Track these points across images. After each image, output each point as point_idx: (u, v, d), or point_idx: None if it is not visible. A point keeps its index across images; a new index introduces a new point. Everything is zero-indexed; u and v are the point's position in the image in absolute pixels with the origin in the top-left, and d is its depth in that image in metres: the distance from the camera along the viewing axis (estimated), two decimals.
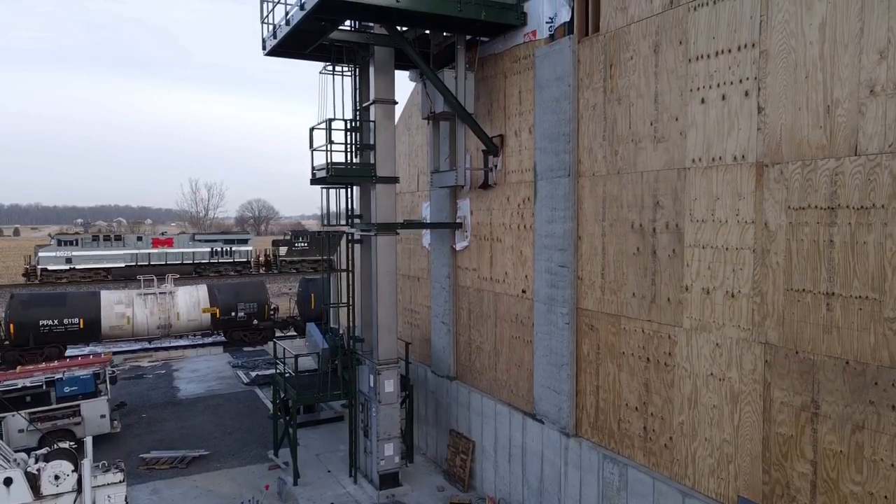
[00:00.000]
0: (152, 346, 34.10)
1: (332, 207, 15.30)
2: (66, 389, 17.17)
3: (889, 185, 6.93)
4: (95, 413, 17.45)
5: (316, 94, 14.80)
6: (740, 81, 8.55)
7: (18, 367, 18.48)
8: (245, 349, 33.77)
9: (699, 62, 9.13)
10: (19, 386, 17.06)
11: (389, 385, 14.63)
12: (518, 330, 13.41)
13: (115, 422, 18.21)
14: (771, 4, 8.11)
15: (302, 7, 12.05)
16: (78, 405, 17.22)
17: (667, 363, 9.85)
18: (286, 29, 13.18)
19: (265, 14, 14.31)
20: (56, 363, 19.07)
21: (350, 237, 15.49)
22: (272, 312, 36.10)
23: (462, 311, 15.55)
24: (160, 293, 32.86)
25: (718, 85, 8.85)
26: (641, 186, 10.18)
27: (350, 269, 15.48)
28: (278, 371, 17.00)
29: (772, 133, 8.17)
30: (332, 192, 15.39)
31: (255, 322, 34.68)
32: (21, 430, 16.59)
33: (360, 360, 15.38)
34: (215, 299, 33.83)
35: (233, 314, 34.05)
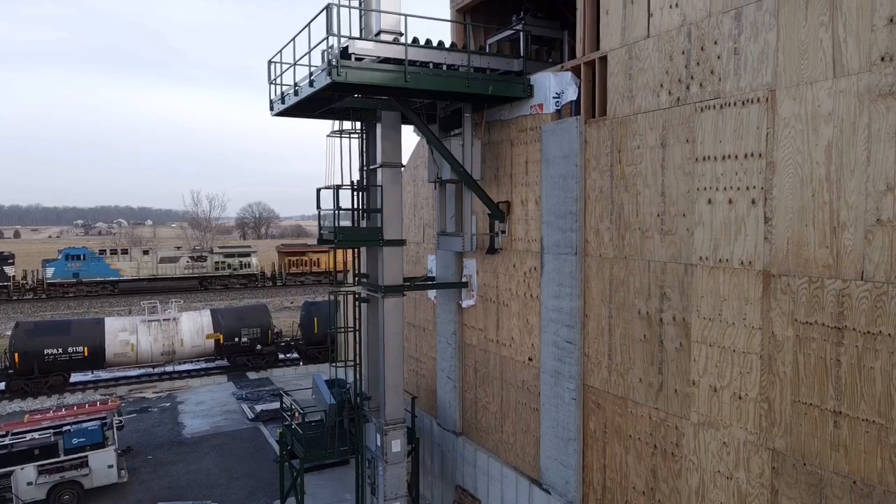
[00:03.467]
0: (156, 371, 34.20)
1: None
2: (74, 441, 17.29)
3: None
4: (103, 464, 17.57)
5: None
6: (747, 189, 8.66)
7: (26, 417, 18.62)
8: (249, 374, 33.90)
9: (706, 163, 9.24)
10: (28, 439, 17.17)
11: (396, 445, 14.73)
12: (524, 396, 13.53)
13: (123, 471, 18.32)
14: (777, 119, 8.22)
15: (311, 84, 12.15)
16: (86, 456, 17.34)
17: (674, 453, 9.96)
18: (294, 98, 13.28)
19: (273, 77, 14.43)
20: (63, 411, 19.20)
21: (357, 296, 15.59)
22: (275, 337, 36.26)
23: (468, 368, 15.66)
24: (164, 320, 33.01)
25: (725, 188, 8.97)
26: (648, 275, 10.29)
27: (357, 327, 15.59)
28: (286, 424, 17.12)
29: (779, 244, 8.28)
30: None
31: (259, 347, 34.83)
32: (30, 483, 16.73)
33: (367, 417, 15.50)
34: (219, 325, 33.96)
35: (236, 339, 34.20)
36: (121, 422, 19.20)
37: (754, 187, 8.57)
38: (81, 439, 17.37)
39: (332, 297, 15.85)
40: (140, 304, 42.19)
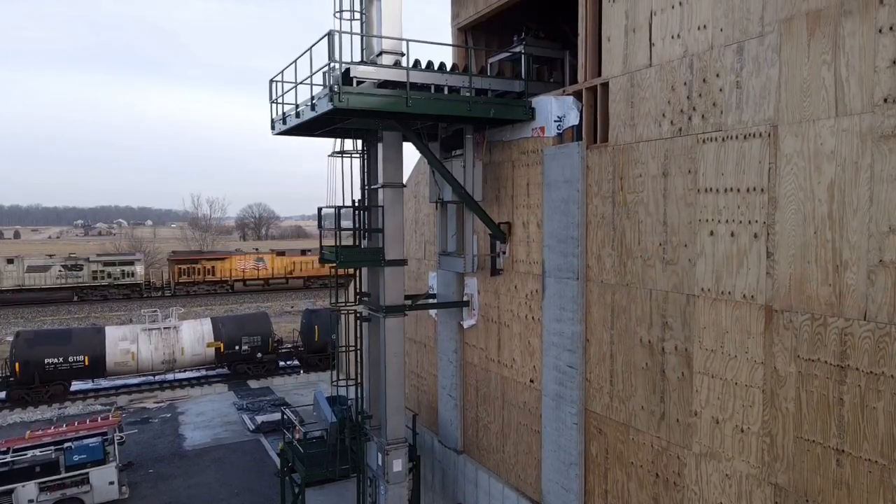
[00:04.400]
0: (157, 379, 34.19)
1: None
2: (76, 458, 17.30)
3: None
4: (104, 480, 17.58)
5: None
6: (749, 223, 8.66)
7: (28, 433, 18.63)
8: (249, 382, 33.91)
9: (708, 194, 9.24)
10: (29, 455, 17.18)
11: (398, 465, 14.73)
12: (526, 417, 13.53)
13: (124, 487, 18.33)
14: (779, 155, 8.22)
15: (313, 108, 12.14)
16: (87, 473, 17.35)
17: (676, 482, 9.97)
18: (296, 120, 13.28)
19: (275, 97, 14.43)
20: (65, 427, 19.21)
21: (358, 315, 15.60)
22: (276, 344, 36.28)
23: (469, 387, 15.67)
24: (164, 328, 33.02)
25: (727, 221, 8.96)
26: (650, 303, 10.29)
27: (358, 346, 15.59)
28: (287, 441, 17.14)
29: (781, 280, 8.28)
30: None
31: (260, 355, 34.85)
32: (31, 501, 16.72)
33: (369, 436, 15.50)
34: (219, 333, 34.00)
35: (237, 348, 34.24)
36: (122, 438, 19.21)
37: (756, 221, 8.56)
38: (82, 456, 17.37)
39: (333, 315, 15.84)
40: (140, 312, 42.15)
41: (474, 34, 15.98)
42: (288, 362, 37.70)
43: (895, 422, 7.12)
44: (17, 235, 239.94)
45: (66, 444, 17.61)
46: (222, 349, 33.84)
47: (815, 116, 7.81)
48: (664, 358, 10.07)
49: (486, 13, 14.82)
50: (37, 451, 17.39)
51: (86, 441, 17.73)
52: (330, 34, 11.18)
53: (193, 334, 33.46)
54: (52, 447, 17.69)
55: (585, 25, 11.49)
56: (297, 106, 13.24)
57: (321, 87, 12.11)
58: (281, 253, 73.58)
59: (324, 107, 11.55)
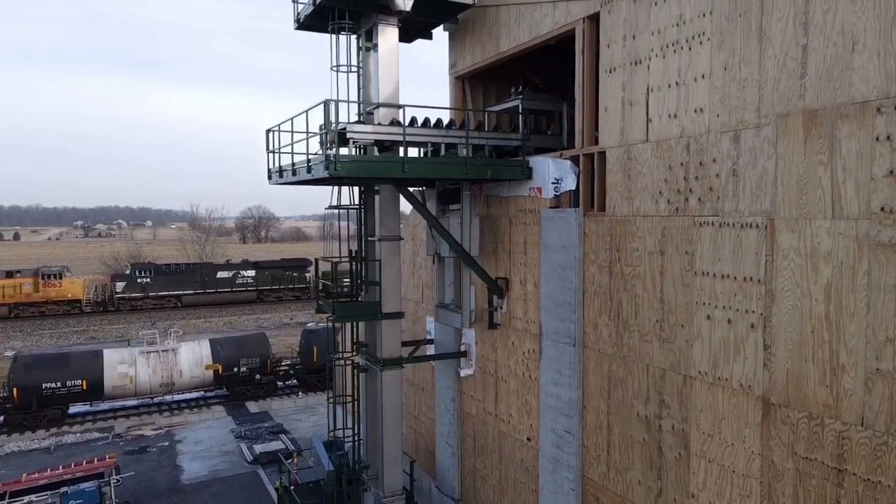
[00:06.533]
0: (155, 402, 34.10)
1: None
2: (72, 503, 17.24)
3: None
4: None
5: None
6: (746, 312, 8.61)
7: (24, 476, 18.58)
8: (248, 405, 33.85)
9: (705, 277, 9.19)
10: (25, 501, 17.14)
11: None
12: (523, 475, 13.48)
13: None
14: (776, 248, 8.17)
15: (308, 171, 12.10)
16: None
17: None
18: (293, 178, 13.24)
19: (272, 147, 14.36)
20: (61, 469, 19.15)
21: (356, 365, 15.55)
22: (274, 365, 36.23)
23: (467, 437, 15.62)
24: (163, 351, 32.95)
25: (724, 307, 8.91)
26: (647, 379, 10.24)
27: (355, 396, 15.54)
28: (284, 486, 17.10)
29: (778, 374, 8.23)
30: None
31: (258, 377, 34.81)
32: None
33: (366, 486, 15.46)
34: (218, 355, 33.92)
35: (235, 369, 34.17)
36: (118, 480, 19.15)
37: (753, 312, 8.51)
38: (79, 501, 17.31)
39: (330, 366, 15.81)
40: (139, 333, 42.07)
41: (472, 83, 15.93)
42: (287, 382, 37.64)
43: None
44: (16, 237, 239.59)
45: (62, 490, 17.56)
46: (221, 371, 33.77)
47: (811, 215, 7.76)
48: (661, 435, 10.02)
49: (482, 65, 14.77)
50: (33, 497, 17.34)
51: (82, 485, 17.68)
52: (326, 104, 11.14)
53: (192, 357, 33.39)
54: (48, 492, 17.65)
55: (583, 92, 11.44)
56: (293, 163, 13.18)
57: (318, 137, 12.05)
58: None
59: (320, 172, 11.50)
